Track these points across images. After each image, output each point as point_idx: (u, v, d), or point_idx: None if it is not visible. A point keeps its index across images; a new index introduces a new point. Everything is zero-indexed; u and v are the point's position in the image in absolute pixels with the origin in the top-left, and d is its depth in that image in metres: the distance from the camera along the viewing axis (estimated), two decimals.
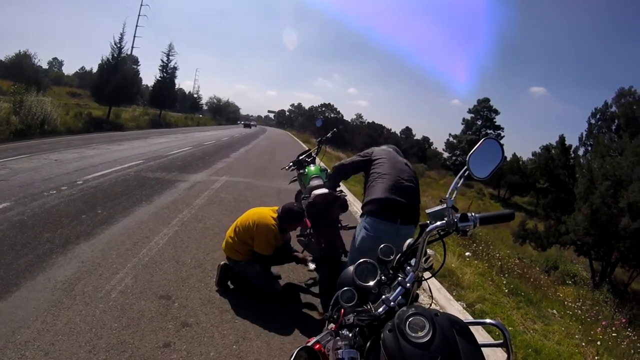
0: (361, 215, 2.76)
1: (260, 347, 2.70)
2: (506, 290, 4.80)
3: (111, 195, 6.06)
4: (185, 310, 3.02)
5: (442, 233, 1.23)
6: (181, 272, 3.68)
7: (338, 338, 1.15)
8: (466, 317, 3.61)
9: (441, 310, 1.07)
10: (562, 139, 33.33)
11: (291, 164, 4.64)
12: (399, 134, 75.24)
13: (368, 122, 79.25)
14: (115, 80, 22.57)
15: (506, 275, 5.84)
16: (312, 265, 3.56)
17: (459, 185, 1.25)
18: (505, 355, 1.14)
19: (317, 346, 1.16)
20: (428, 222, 1.22)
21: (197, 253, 4.17)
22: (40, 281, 3.19)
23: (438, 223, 1.19)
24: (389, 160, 2.84)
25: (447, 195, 1.22)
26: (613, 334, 4.53)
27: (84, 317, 2.74)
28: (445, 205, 1.21)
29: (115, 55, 23.60)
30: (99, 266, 3.59)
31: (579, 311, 5.82)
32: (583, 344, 3.86)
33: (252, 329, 2.91)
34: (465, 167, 1.23)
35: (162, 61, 34.71)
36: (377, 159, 2.88)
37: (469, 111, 59.04)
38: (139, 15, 31.06)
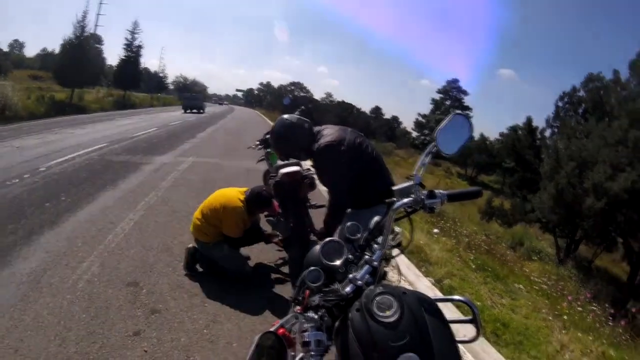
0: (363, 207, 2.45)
1: (232, 330, 2.68)
2: (473, 266, 4.94)
3: (75, 181, 5.87)
4: (154, 296, 2.97)
5: (409, 210, 1.21)
6: (148, 257, 3.61)
7: (304, 320, 1.12)
8: (435, 292, 3.70)
9: (409, 288, 1.06)
10: (529, 120, 34.47)
11: (258, 142, 4.58)
12: (368, 113, 74.60)
13: (338, 102, 78.51)
14: (78, 61, 21.55)
15: (473, 251, 6.00)
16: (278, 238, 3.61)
17: (426, 161, 1.22)
18: (475, 330, 1.14)
19: (282, 330, 1.12)
20: (395, 199, 1.19)
21: (164, 237, 4.10)
22: (5, 276, 3.06)
23: (405, 200, 1.16)
24: (362, 148, 2.58)
25: (414, 172, 1.19)
26: (579, 308, 4.67)
27: (51, 310, 2.66)
28: (412, 182, 1.18)
29: (78, 34, 22.52)
30: (65, 255, 3.48)
31: (545, 286, 6.02)
32: (550, 317, 4.00)
33: (223, 312, 2.89)
34: (433, 143, 1.20)
35: (127, 39, 33.32)
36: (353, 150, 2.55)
37: (438, 91, 59.90)
38: None
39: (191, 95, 37.06)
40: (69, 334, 2.43)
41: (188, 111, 31.15)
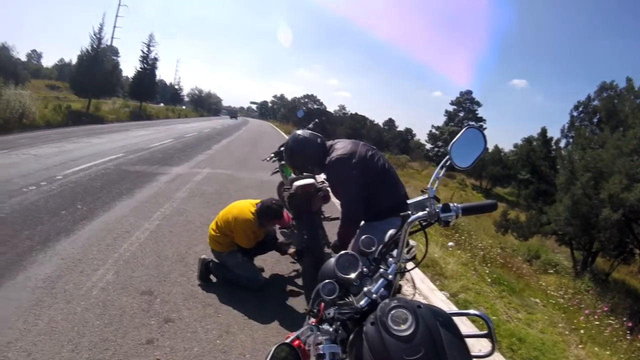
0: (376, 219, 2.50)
1: (245, 341, 2.68)
2: (489, 280, 4.86)
3: (91, 190, 5.94)
4: (168, 305, 2.98)
5: (424, 224, 1.21)
6: (163, 266, 3.63)
7: (319, 333, 1.12)
8: (450, 306, 3.65)
9: (424, 302, 1.05)
10: (543, 130, 33.96)
11: (272, 155, 4.60)
12: (381, 125, 74.47)
13: (351, 114, 78.50)
14: (94, 72, 22.01)
15: (489, 264, 5.92)
16: (292, 249, 3.61)
17: (440, 175, 1.23)
18: (490, 345, 1.13)
19: (297, 342, 1.13)
20: (410, 212, 1.19)
21: (179, 247, 4.13)
22: (21, 280, 3.10)
23: (420, 213, 1.16)
24: (374, 161, 2.60)
25: (428, 186, 1.20)
26: (595, 322, 4.57)
27: (65, 316, 2.69)
28: (426, 196, 1.18)
29: (95, 46, 22.93)
30: (80, 262, 3.52)
31: (562, 300, 5.92)
32: (566, 332, 3.93)
33: (236, 322, 2.89)
34: (447, 156, 1.21)
35: (143, 52, 33.97)
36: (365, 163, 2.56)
37: (452, 103, 60.12)
38: (119, 5, 30.32)
39: (231, 109, 72.79)
40: (82, 340, 2.45)
41: (232, 118, 57.26)
